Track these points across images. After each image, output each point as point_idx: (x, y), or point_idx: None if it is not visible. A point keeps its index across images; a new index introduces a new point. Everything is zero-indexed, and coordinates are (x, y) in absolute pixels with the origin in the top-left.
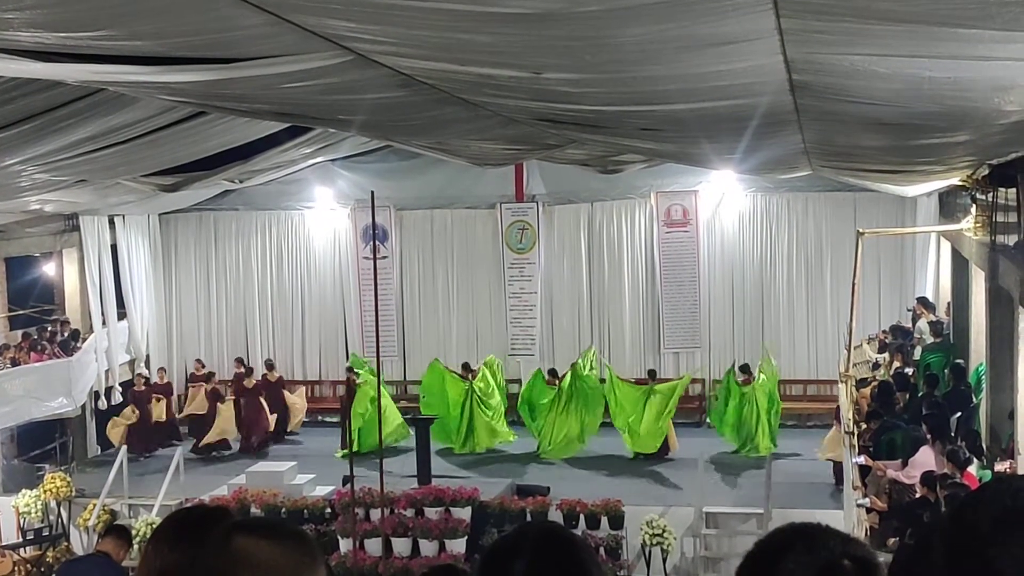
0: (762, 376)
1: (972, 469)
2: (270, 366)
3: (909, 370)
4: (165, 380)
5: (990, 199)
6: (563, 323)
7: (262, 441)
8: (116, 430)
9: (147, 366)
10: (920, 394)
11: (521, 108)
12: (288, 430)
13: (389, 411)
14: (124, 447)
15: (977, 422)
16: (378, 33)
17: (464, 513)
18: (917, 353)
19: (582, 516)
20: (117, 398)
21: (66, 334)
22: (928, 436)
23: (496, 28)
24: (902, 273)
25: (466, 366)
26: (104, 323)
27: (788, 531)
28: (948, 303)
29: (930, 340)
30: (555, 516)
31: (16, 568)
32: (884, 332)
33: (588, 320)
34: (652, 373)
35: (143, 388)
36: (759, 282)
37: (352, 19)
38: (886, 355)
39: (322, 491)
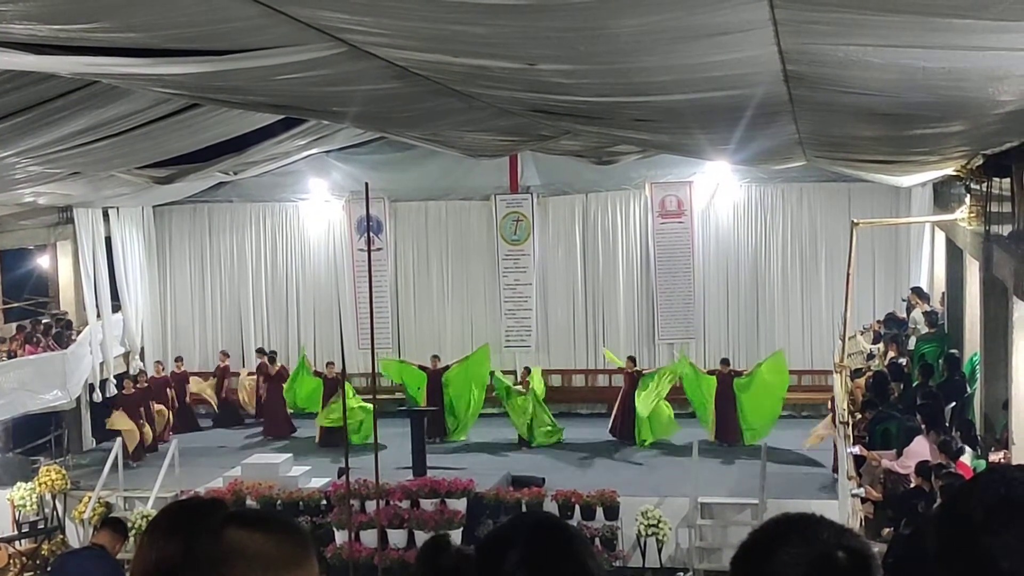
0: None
1: (966, 459)
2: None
3: (903, 360)
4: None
5: (984, 189)
6: (558, 314)
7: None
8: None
9: (141, 358)
10: (915, 384)
11: (515, 99)
12: None
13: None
14: (120, 439)
15: (971, 412)
16: (372, 25)
17: (460, 504)
18: (912, 343)
19: (577, 507)
20: (112, 390)
21: (60, 326)
22: (923, 426)
23: (490, 19)
24: (896, 263)
25: (436, 359)
26: (98, 315)
27: (783, 522)
28: (942, 293)
29: (924, 330)
30: (550, 507)
31: (11, 561)
32: (879, 322)
33: (583, 311)
34: (633, 360)
35: (132, 391)
36: (754, 273)
37: (346, 11)
38: (880, 345)
39: (317, 483)
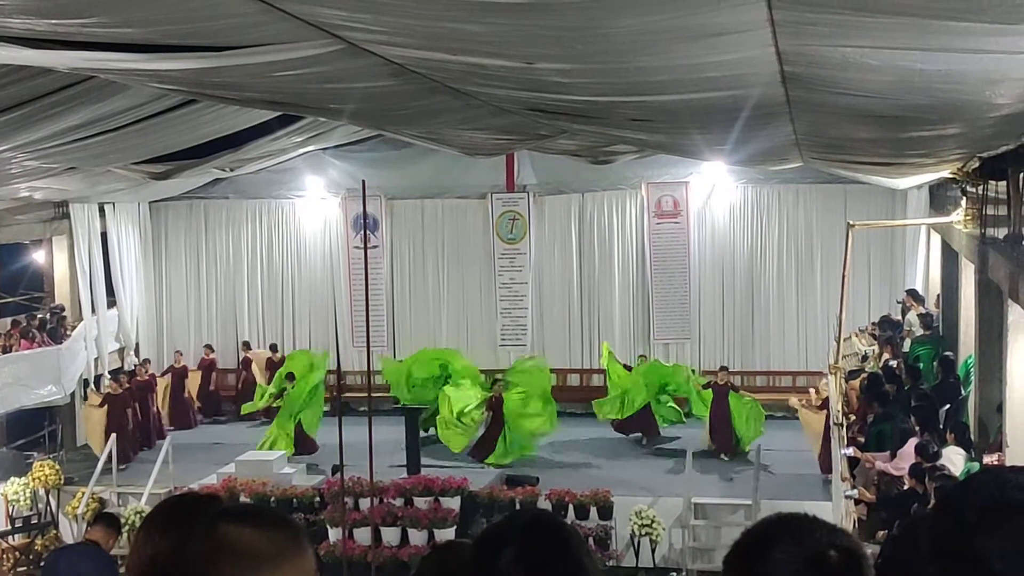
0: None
1: (959, 462)
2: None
3: (894, 363)
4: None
5: (980, 192)
6: (554, 314)
7: None
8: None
9: (136, 354)
10: (906, 388)
11: (512, 98)
12: None
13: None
14: (113, 436)
15: (966, 414)
16: (369, 22)
17: (453, 503)
18: (906, 345)
19: (571, 506)
20: (106, 387)
21: (55, 321)
22: (916, 428)
23: (488, 17)
24: (892, 265)
25: None
26: (94, 311)
27: (775, 521)
28: (938, 295)
29: (919, 332)
30: (544, 506)
31: (5, 556)
32: (874, 324)
33: (579, 311)
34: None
35: (128, 386)
36: (749, 273)
37: (343, 7)
38: (875, 347)
39: (311, 480)
